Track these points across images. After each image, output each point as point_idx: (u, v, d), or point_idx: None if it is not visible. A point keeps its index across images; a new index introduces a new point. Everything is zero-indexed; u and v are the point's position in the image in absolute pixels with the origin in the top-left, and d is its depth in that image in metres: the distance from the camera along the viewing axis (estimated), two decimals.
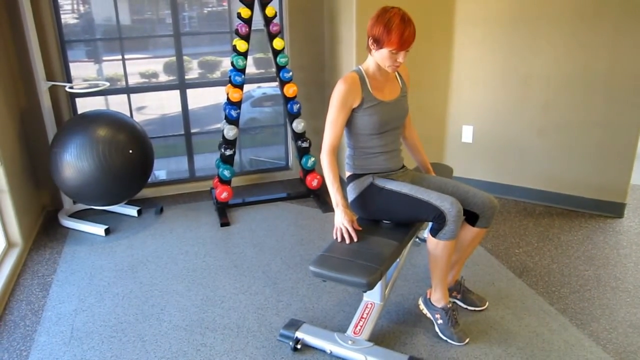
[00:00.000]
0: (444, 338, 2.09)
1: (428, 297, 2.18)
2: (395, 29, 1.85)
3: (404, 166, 2.22)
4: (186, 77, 3.79)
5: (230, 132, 3.39)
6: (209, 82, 3.96)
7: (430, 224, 1.98)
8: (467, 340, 2.07)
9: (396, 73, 2.15)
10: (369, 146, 2.08)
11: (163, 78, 3.88)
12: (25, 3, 3.01)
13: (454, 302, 2.32)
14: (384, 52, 1.91)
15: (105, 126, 3.03)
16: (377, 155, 2.09)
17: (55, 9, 3.33)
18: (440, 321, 2.11)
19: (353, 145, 2.11)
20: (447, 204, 1.88)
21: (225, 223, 3.31)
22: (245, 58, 3.38)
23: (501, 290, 2.46)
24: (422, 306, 2.22)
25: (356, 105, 2.00)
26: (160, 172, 4.08)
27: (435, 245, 1.97)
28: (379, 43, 1.91)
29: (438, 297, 2.12)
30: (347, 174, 2.15)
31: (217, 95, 4.02)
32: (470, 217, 2.09)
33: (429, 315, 2.18)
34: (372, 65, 2.03)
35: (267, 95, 4.35)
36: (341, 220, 1.97)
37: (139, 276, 2.70)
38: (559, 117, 3.28)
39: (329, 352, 2.02)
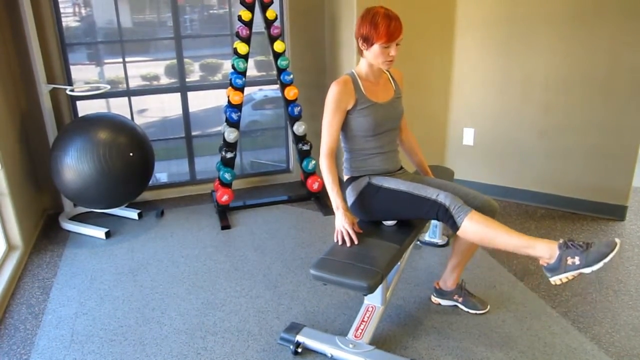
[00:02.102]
0: (599, 266, 1.66)
1: (546, 264, 1.76)
2: (381, 22, 1.89)
3: (402, 167, 2.22)
4: (187, 79, 3.79)
5: (231, 134, 3.39)
6: (210, 85, 3.96)
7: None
8: (617, 241, 1.68)
9: (389, 76, 2.17)
10: (365, 148, 2.08)
11: (164, 81, 3.88)
12: (26, 6, 3.01)
13: (459, 304, 2.32)
14: (376, 48, 1.94)
15: (106, 129, 3.03)
16: (373, 157, 2.09)
17: (56, 11, 3.34)
18: (577, 260, 1.69)
19: (349, 148, 2.11)
20: (441, 195, 1.88)
21: (226, 226, 3.30)
22: (246, 61, 3.38)
23: (503, 294, 2.45)
24: (555, 279, 1.74)
25: (350, 107, 2.02)
26: (161, 174, 4.07)
27: (468, 230, 1.81)
28: (368, 41, 1.94)
29: (547, 251, 1.74)
30: (345, 177, 2.16)
31: (218, 98, 4.02)
32: None
33: (568, 275, 1.71)
34: (364, 67, 2.06)
35: (268, 98, 4.35)
36: (342, 223, 1.96)
37: (140, 279, 2.70)
38: (559, 119, 3.28)
39: (329, 355, 2.01)
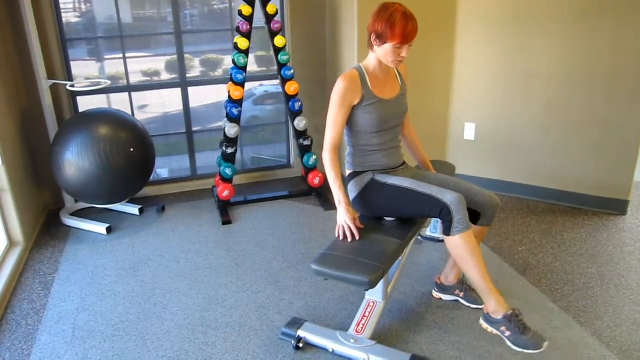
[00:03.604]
0: (519, 350, 1.86)
1: (486, 312, 1.96)
2: (398, 23, 1.85)
3: (404, 163, 2.21)
4: (187, 75, 3.79)
5: (231, 130, 3.38)
6: (211, 80, 3.95)
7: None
8: (545, 345, 1.83)
9: (396, 71, 2.15)
10: (368, 144, 2.07)
11: (164, 76, 3.87)
12: (26, 1, 3.00)
13: (459, 301, 2.33)
14: (388, 47, 1.91)
15: (107, 124, 3.02)
16: (376, 153, 2.09)
17: (56, 7, 3.33)
18: (507, 333, 1.88)
19: (353, 143, 2.10)
20: (447, 196, 1.87)
21: (227, 221, 3.30)
22: (247, 56, 3.37)
23: (504, 288, 2.45)
24: (485, 325, 1.98)
25: (356, 103, 2.00)
26: (162, 170, 4.07)
27: (455, 244, 1.88)
28: (382, 38, 1.91)
29: (493, 307, 1.92)
30: (347, 172, 2.15)
31: (218, 93, 4.01)
32: (472, 215, 2.08)
33: (494, 331, 1.94)
34: (372, 62, 2.03)
35: (269, 93, 4.34)
36: (343, 218, 1.96)
37: (141, 275, 2.70)
38: (561, 114, 3.27)
39: (331, 350, 2.01)
